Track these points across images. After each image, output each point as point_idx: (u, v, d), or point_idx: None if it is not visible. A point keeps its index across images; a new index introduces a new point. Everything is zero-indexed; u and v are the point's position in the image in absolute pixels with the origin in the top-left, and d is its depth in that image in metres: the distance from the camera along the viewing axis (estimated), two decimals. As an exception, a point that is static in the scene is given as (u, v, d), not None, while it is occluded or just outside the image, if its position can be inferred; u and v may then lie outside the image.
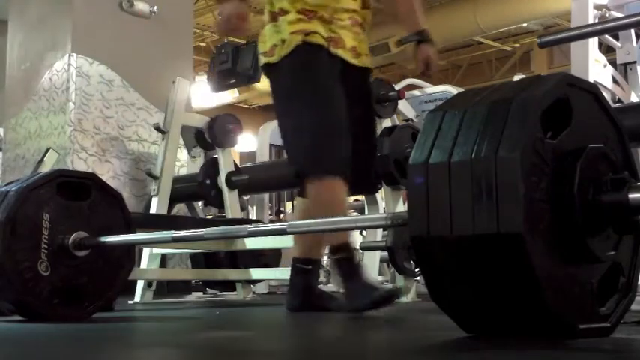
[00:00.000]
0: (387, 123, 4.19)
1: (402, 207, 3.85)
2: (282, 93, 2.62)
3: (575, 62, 4.48)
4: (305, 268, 2.69)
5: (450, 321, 1.36)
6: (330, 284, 6.36)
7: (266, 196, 6.29)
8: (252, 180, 4.86)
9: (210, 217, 6.36)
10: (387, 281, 5.70)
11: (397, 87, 4.71)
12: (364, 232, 4.97)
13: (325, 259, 7.28)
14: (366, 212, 4.41)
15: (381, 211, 4.22)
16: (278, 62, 2.55)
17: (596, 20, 4.44)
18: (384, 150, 3.64)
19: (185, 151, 5.97)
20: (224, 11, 2.52)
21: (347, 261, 2.55)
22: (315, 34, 2.53)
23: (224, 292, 5.21)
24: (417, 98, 5.93)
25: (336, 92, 2.50)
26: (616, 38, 4.67)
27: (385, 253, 3.87)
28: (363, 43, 2.68)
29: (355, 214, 6.40)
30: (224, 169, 4.72)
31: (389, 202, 3.91)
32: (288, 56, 2.53)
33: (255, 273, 4.21)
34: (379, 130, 3.78)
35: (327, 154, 2.43)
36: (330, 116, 2.45)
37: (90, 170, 5.09)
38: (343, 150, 2.41)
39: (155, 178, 4.42)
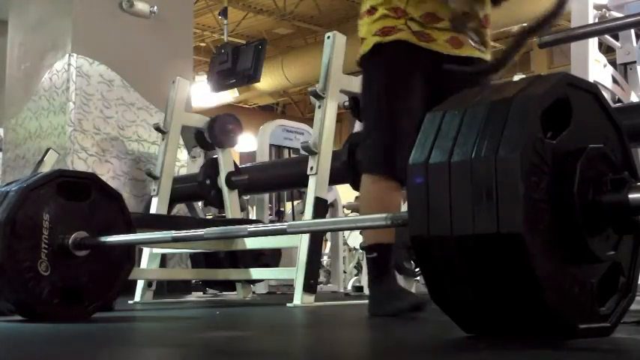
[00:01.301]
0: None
1: (402, 207, 3.85)
2: (362, 88, 2.62)
3: (575, 62, 4.48)
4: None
5: (450, 321, 1.36)
6: (330, 284, 6.38)
7: (266, 196, 6.29)
8: (252, 180, 4.86)
9: (210, 217, 6.36)
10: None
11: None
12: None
13: (325, 259, 7.28)
14: (366, 212, 4.41)
15: (381, 211, 4.22)
16: (362, 57, 2.54)
17: (596, 20, 4.44)
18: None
19: (185, 151, 5.97)
20: None
21: (373, 262, 2.53)
22: (397, 30, 2.46)
23: (224, 292, 5.21)
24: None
25: (405, 104, 2.46)
26: (616, 38, 4.67)
27: (385, 253, 3.87)
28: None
29: (355, 214, 6.41)
30: (224, 169, 4.72)
31: (389, 202, 3.90)
32: (367, 55, 2.51)
33: (255, 273, 4.21)
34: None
35: (384, 163, 2.47)
36: (390, 132, 2.46)
37: (90, 170, 5.10)
38: (397, 161, 2.38)
39: (155, 178, 4.42)
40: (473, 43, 2.55)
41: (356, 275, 6.44)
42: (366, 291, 4.67)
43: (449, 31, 2.50)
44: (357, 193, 5.65)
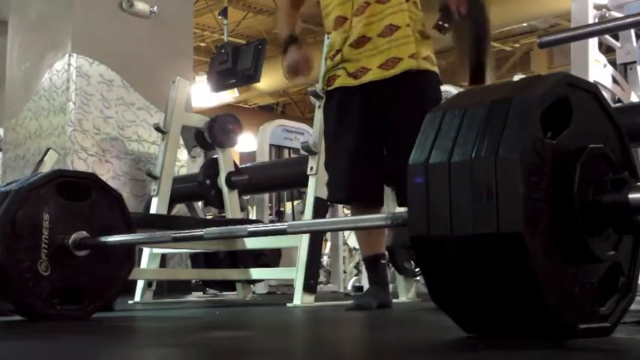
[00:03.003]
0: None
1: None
2: None
3: (575, 62, 4.48)
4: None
5: (450, 321, 1.36)
6: (330, 284, 6.38)
7: (266, 196, 6.30)
8: (252, 180, 4.86)
9: (210, 217, 6.36)
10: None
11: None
12: (364, 232, 4.96)
13: (325, 259, 7.28)
14: (366, 212, 4.41)
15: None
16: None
17: (596, 20, 4.44)
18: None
19: (185, 151, 5.97)
20: (289, 58, 2.78)
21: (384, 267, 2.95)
22: (336, 78, 2.77)
23: (224, 292, 5.22)
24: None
25: (335, 141, 2.77)
26: (616, 38, 4.67)
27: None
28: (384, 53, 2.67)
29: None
30: (224, 169, 4.72)
31: (389, 202, 3.90)
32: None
33: (255, 273, 4.22)
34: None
35: (335, 191, 2.85)
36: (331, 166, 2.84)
37: (90, 170, 5.10)
38: (348, 186, 2.75)
39: (155, 178, 4.42)
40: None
41: (356, 275, 6.43)
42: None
43: (380, 54, 2.66)
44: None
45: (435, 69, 2.72)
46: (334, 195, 2.86)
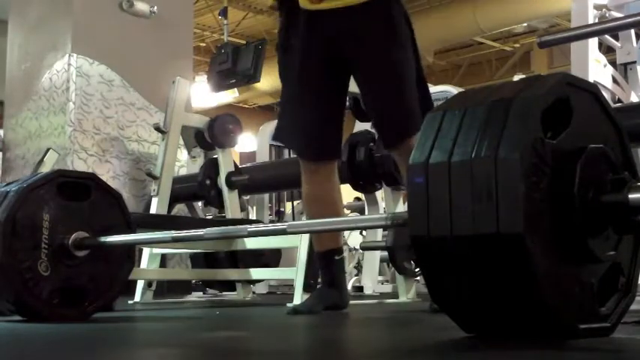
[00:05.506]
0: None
1: (402, 207, 3.85)
2: None
3: (575, 62, 4.49)
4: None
5: (450, 321, 1.36)
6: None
7: (266, 196, 6.29)
8: (252, 180, 4.86)
9: (210, 217, 6.36)
10: (387, 281, 5.71)
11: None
12: (364, 232, 4.98)
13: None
14: (366, 212, 4.42)
15: (381, 211, 4.23)
16: None
17: (596, 20, 4.45)
18: (383, 150, 3.64)
19: (185, 151, 5.97)
20: None
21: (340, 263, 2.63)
22: None
23: (224, 292, 5.22)
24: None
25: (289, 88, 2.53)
26: (616, 38, 4.67)
27: (385, 253, 3.87)
28: None
29: (355, 214, 6.41)
30: (224, 169, 4.72)
31: (389, 202, 3.91)
32: None
33: (255, 273, 4.21)
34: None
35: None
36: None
37: (90, 170, 5.09)
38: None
39: (155, 178, 4.42)
40: None
41: (356, 275, 6.43)
42: (367, 291, 4.70)
43: None
44: (357, 194, 5.65)
45: None
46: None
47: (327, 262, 2.61)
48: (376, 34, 2.39)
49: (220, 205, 4.94)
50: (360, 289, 5.02)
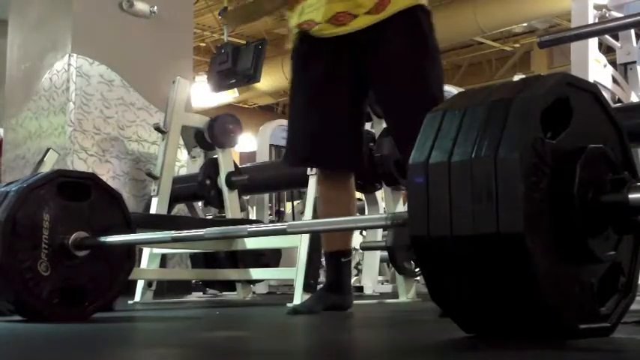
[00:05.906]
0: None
1: (402, 207, 3.85)
2: None
3: (575, 62, 4.49)
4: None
5: (450, 321, 1.36)
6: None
7: (266, 196, 6.29)
8: (252, 180, 4.86)
9: (210, 217, 6.36)
10: (387, 281, 5.71)
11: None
12: (364, 232, 4.98)
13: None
14: (366, 212, 4.42)
15: (381, 211, 4.22)
16: None
17: (596, 20, 4.44)
18: (383, 150, 3.64)
19: (185, 151, 5.96)
20: None
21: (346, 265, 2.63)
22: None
23: (224, 292, 5.21)
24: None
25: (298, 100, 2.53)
26: (616, 38, 4.67)
27: (385, 253, 3.87)
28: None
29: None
30: (224, 169, 4.72)
31: (389, 202, 3.91)
32: None
33: (255, 273, 4.21)
34: (378, 131, 3.79)
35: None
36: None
37: (90, 170, 5.09)
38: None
39: (155, 178, 4.42)
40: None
41: (356, 275, 6.43)
42: (367, 291, 4.70)
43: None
44: (357, 194, 5.64)
45: None
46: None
47: (333, 263, 2.60)
48: (405, 48, 2.37)
49: (220, 205, 4.94)
50: (360, 289, 5.02)
